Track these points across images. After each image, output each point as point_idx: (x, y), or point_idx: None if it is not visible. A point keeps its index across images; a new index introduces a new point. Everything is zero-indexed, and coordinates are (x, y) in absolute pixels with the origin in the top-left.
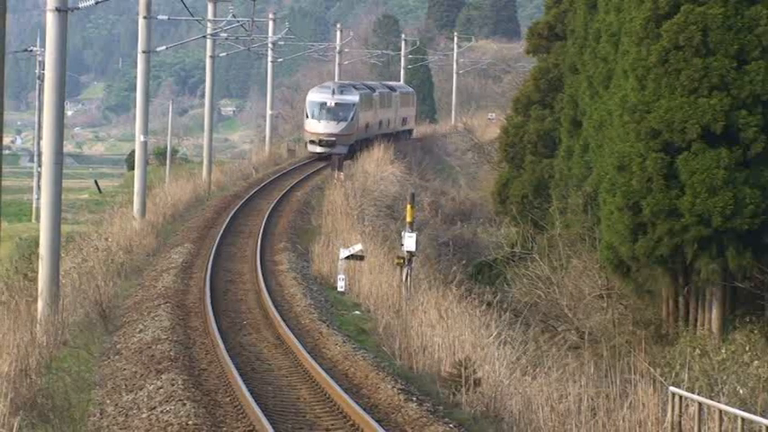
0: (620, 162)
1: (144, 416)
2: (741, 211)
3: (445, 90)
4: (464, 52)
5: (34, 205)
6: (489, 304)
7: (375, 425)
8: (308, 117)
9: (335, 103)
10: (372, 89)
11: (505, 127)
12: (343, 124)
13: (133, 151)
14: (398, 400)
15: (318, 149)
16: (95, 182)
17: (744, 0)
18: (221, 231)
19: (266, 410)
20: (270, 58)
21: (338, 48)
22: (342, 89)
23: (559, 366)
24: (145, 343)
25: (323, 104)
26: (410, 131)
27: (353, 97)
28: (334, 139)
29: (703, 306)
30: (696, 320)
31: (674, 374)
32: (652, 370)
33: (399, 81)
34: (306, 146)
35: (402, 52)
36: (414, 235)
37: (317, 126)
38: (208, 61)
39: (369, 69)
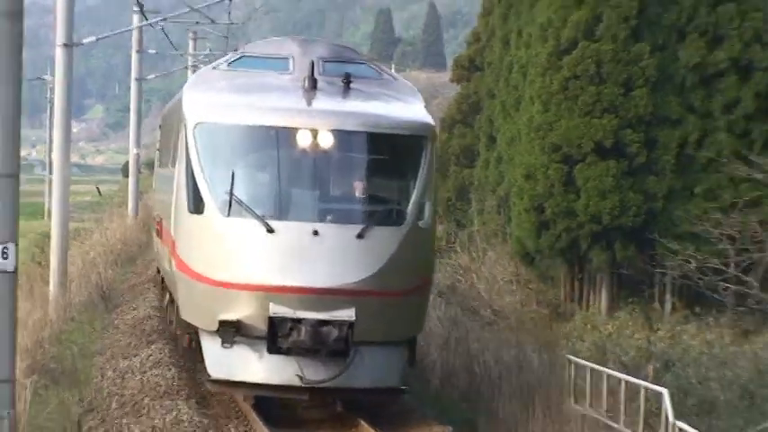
0: (528, 171)
1: (137, 378)
2: (626, 212)
3: None
4: None
5: (46, 206)
6: None
7: None
8: (195, 210)
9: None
10: None
11: None
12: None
13: (127, 162)
14: None
15: (259, 376)
16: (97, 187)
17: (630, 38)
18: None
19: None
20: None
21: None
22: (355, 71)
23: (478, 338)
24: (138, 319)
25: (288, 144)
26: None
27: (415, 111)
28: (352, 313)
29: (594, 289)
30: (588, 301)
31: (570, 345)
32: (553, 341)
33: None
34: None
35: None
36: None
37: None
38: None
39: None
